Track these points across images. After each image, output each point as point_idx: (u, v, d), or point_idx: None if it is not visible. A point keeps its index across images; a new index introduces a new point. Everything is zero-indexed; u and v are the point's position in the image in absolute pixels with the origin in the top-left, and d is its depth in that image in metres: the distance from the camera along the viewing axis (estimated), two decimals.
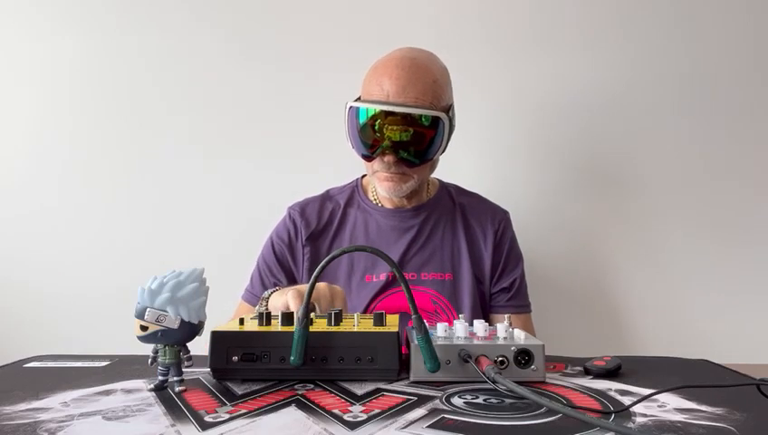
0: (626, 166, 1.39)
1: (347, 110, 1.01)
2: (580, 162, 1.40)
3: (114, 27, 1.46)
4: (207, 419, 0.49)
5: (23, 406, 0.53)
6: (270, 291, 0.90)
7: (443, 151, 1.03)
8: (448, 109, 1.02)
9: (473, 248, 1.09)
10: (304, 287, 0.79)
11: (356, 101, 1.01)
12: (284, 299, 0.77)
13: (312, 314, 0.69)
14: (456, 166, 1.25)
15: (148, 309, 0.56)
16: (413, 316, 0.59)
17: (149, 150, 1.45)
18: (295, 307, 0.73)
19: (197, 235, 1.42)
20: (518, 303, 1.10)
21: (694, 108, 1.38)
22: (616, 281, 1.39)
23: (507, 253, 1.11)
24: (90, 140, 1.45)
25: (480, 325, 0.65)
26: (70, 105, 1.46)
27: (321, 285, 0.81)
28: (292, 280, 1.07)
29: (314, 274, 0.59)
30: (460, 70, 1.17)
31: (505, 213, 1.16)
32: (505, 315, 0.66)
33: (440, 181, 1.19)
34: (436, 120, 0.97)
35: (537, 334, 1.09)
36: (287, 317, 0.63)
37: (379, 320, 0.64)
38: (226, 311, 1.10)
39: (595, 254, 1.40)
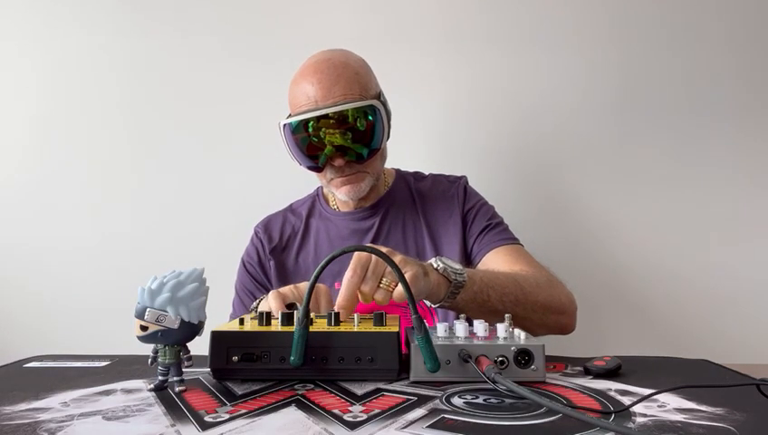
0: (626, 166, 1.39)
1: (281, 129, 1.00)
2: (580, 163, 1.40)
3: (118, 28, 1.46)
4: (207, 419, 0.49)
5: (23, 406, 0.53)
6: (256, 302, 0.90)
7: (387, 138, 1.03)
8: (379, 95, 1.02)
9: (436, 238, 1.07)
10: (285, 289, 0.80)
11: (287, 118, 1.00)
12: (267, 302, 0.77)
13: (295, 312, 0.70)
14: (456, 165, 1.26)
15: (148, 309, 0.56)
16: (413, 316, 0.59)
17: (149, 151, 1.46)
18: (276, 307, 0.74)
19: (197, 235, 1.42)
20: (504, 236, 1.05)
21: (693, 106, 1.38)
22: (616, 281, 1.39)
23: (473, 207, 1.09)
24: (89, 141, 1.46)
25: (480, 325, 0.65)
26: (71, 106, 1.46)
27: (302, 284, 0.82)
28: None
29: (313, 274, 0.59)
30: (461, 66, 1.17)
31: (460, 178, 1.15)
32: (506, 315, 0.66)
33: (397, 171, 1.19)
34: (371, 109, 0.97)
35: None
36: (287, 317, 0.63)
37: (379, 320, 0.64)
38: (226, 311, 1.10)
39: (594, 253, 1.40)
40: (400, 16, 1.42)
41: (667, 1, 1.39)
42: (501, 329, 0.64)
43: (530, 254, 1.05)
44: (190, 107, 1.45)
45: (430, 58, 1.42)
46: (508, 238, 1.05)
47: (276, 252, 1.10)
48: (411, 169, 1.21)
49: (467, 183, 1.15)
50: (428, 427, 0.46)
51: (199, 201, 1.44)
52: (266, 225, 1.15)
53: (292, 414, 0.50)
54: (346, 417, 0.49)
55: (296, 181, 1.23)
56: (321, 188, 1.17)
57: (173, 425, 0.47)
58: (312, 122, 0.95)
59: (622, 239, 1.39)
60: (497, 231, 1.06)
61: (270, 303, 0.76)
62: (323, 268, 0.59)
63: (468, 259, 1.05)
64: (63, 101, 1.46)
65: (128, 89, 1.46)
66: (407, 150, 1.31)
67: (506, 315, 0.66)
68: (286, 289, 0.81)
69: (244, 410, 0.51)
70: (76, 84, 1.46)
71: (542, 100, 1.41)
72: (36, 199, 1.45)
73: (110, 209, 1.45)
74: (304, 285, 0.82)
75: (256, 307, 0.87)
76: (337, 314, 0.65)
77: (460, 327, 0.64)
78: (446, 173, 1.19)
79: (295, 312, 0.62)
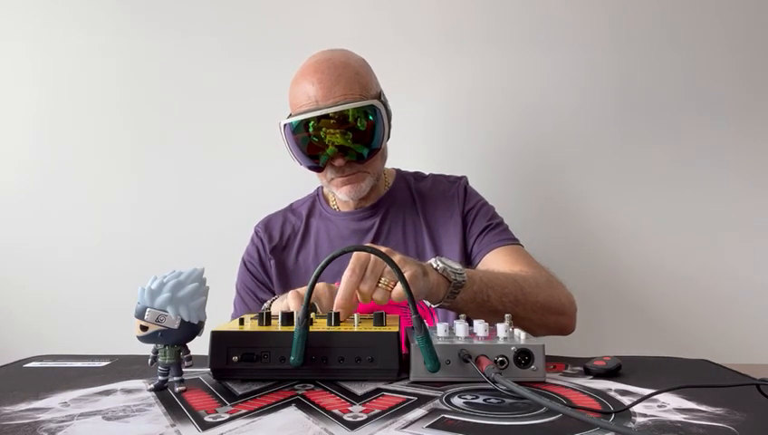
0: (626, 166, 1.39)
1: (282, 129, 1.00)
2: (581, 162, 1.40)
3: (117, 28, 1.46)
4: (207, 419, 0.49)
5: (23, 406, 0.53)
6: (270, 300, 0.90)
7: (388, 138, 1.03)
8: (379, 95, 1.02)
9: (435, 237, 1.07)
10: (302, 289, 0.79)
11: (288, 118, 1.00)
12: (285, 302, 0.77)
13: (313, 314, 0.70)
14: (455, 164, 1.26)
15: (148, 309, 0.56)
16: (413, 316, 0.59)
17: (149, 151, 1.46)
18: (296, 307, 0.73)
19: (197, 235, 1.42)
20: (504, 236, 1.05)
21: (693, 105, 1.38)
22: (615, 281, 1.39)
23: (473, 207, 1.09)
24: (89, 141, 1.46)
25: (480, 325, 0.65)
26: (71, 106, 1.46)
27: (320, 285, 0.81)
28: (273, 295, 1.07)
29: (313, 274, 0.59)
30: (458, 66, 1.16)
31: (461, 178, 1.15)
32: (506, 315, 0.66)
33: (397, 171, 1.19)
34: (372, 109, 0.97)
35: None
36: (287, 317, 0.63)
37: (379, 320, 0.64)
38: (226, 311, 1.10)
39: (593, 255, 1.39)
40: (401, 16, 1.42)
41: (668, 1, 1.39)
42: (501, 329, 0.64)
43: (530, 254, 1.05)
44: (190, 107, 1.45)
45: (430, 58, 1.42)
46: (508, 239, 1.05)
47: (276, 251, 1.11)
48: (411, 169, 1.21)
49: (467, 183, 1.15)
50: (428, 427, 0.46)
51: (199, 201, 1.44)
52: (266, 224, 1.15)
53: (292, 414, 0.50)
54: (346, 417, 0.49)
55: (296, 181, 1.23)
56: (322, 187, 1.17)
57: (173, 425, 0.47)
58: (312, 122, 0.95)
59: (622, 239, 1.39)
60: (497, 231, 1.06)
61: (290, 302, 0.76)
62: (323, 268, 0.59)
63: (468, 259, 1.05)
64: (64, 101, 1.46)
65: (128, 89, 1.46)
66: (407, 150, 1.31)
67: (506, 315, 0.66)
68: (303, 290, 0.80)
69: (244, 410, 0.51)
70: (76, 84, 1.46)
71: (543, 99, 1.41)
72: (36, 199, 1.45)
73: (110, 209, 1.45)
74: (321, 286, 0.81)
75: (269, 307, 0.87)
76: (337, 314, 0.65)
77: (460, 327, 0.64)
78: (447, 173, 1.19)
79: (295, 311, 0.62)
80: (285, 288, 1.05)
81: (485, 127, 1.42)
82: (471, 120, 1.42)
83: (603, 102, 1.40)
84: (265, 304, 0.91)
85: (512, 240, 1.06)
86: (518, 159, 1.42)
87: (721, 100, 1.38)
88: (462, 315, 0.70)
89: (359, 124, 0.96)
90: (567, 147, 1.40)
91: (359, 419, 0.49)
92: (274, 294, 1.06)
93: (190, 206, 1.44)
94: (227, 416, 0.49)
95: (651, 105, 1.39)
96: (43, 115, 1.46)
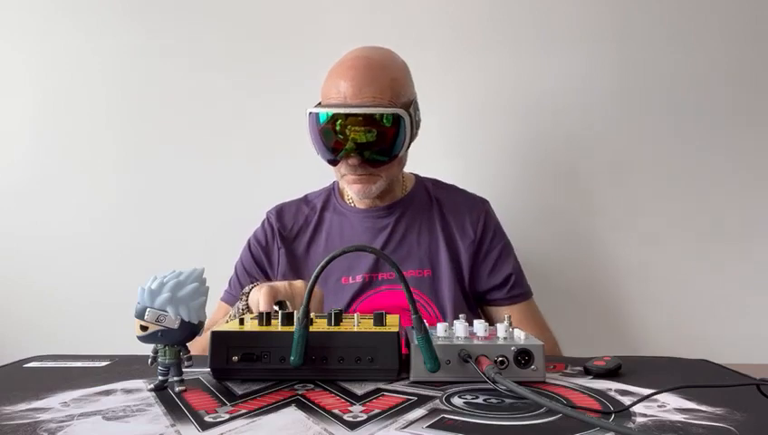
0: (625, 165, 1.39)
1: (308, 116, 1.00)
2: (578, 161, 1.40)
3: (115, 27, 1.46)
4: (207, 419, 0.49)
5: (23, 406, 0.53)
6: (250, 286, 0.90)
7: (408, 147, 1.03)
8: (410, 104, 1.01)
9: (451, 244, 1.07)
10: (278, 284, 0.80)
11: (316, 106, 1.00)
12: (256, 298, 0.77)
13: (280, 310, 0.69)
14: (453, 164, 1.26)
15: (148, 309, 0.56)
16: (413, 316, 0.59)
17: (149, 150, 1.46)
18: (265, 303, 0.74)
19: (197, 235, 1.42)
20: (516, 292, 1.07)
21: (691, 106, 1.38)
22: (616, 281, 1.39)
23: (492, 245, 1.08)
24: (89, 141, 1.46)
25: (480, 325, 0.65)
26: (71, 105, 1.46)
27: (298, 283, 0.82)
28: (268, 281, 1.07)
29: (314, 274, 0.59)
30: (456, 65, 1.15)
31: (484, 203, 1.13)
32: (506, 315, 0.66)
33: (417, 176, 1.18)
34: (397, 118, 0.97)
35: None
36: (287, 317, 0.63)
37: (379, 320, 0.64)
38: None
39: (595, 254, 1.39)
40: (405, 16, 1.42)
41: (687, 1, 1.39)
42: (501, 329, 0.64)
43: (539, 311, 1.09)
44: (190, 106, 1.45)
45: (435, 58, 1.41)
46: (521, 294, 1.08)
47: (287, 240, 1.11)
48: (426, 174, 1.20)
49: (489, 210, 1.13)
50: (428, 427, 0.46)
51: (200, 201, 1.44)
52: (279, 212, 1.15)
53: (292, 414, 0.50)
54: (346, 417, 0.49)
55: (296, 181, 1.23)
56: (337, 182, 1.16)
57: (173, 425, 0.47)
58: (339, 120, 0.96)
59: (622, 240, 1.39)
60: (516, 285, 1.07)
61: (260, 296, 0.76)
62: (323, 268, 0.59)
63: (473, 282, 1.06)
64: (65, 100, 1.46)
65: (130, 88, 1.46)
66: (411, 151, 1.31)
67: (506, 315, 0.66)
68: (280, 285, 0.81)
69: (244, 410, 0.51)
70: (77, 83, 1.46)
71: (544, 100, 1.40)
72: (36, 198, 1.45)
73: (109, 209, 1.45)
74: (299, 284, 0.82)
75: (248, 292, 0.86)
76: (337, 314, 0.65)
77: (460, 327, 0.64)
78: (450, 170, 1.18)
79: (295, 312, 0.62)
80: (293, 278, 1.05)
81: (487, 126, 1.42)
82: (473, 119, 1.42)
83: (607, 102, 1.39)
84: (246, 289, 0.89)
85: (526, 296, 1.09)
86: (519, 157, 1.42)
87: (722, 100, 1.38)
88: (462, 315, 0.70)
89: (381, 130, 0.96)
90: (572, 146, 1.40)
91: (359, 419, 0.49)
92: (269, 280, 1.06)
93: (191, 205, 1.44)
94: (227, 416, 0.49)
95: (654, 105, 1.39)
96: (44, 114, 1.46)
